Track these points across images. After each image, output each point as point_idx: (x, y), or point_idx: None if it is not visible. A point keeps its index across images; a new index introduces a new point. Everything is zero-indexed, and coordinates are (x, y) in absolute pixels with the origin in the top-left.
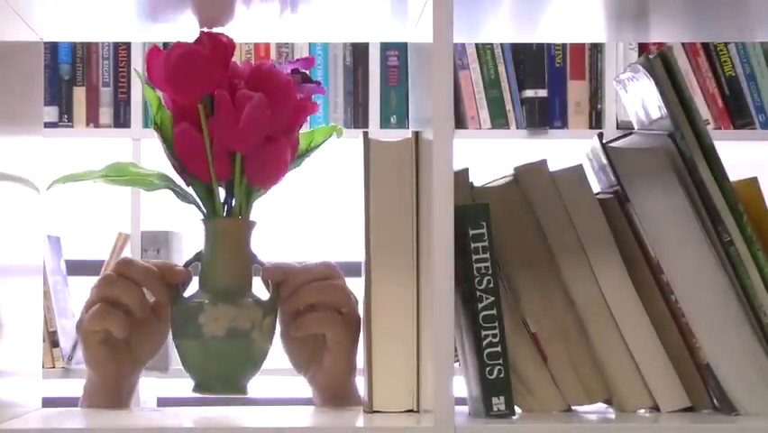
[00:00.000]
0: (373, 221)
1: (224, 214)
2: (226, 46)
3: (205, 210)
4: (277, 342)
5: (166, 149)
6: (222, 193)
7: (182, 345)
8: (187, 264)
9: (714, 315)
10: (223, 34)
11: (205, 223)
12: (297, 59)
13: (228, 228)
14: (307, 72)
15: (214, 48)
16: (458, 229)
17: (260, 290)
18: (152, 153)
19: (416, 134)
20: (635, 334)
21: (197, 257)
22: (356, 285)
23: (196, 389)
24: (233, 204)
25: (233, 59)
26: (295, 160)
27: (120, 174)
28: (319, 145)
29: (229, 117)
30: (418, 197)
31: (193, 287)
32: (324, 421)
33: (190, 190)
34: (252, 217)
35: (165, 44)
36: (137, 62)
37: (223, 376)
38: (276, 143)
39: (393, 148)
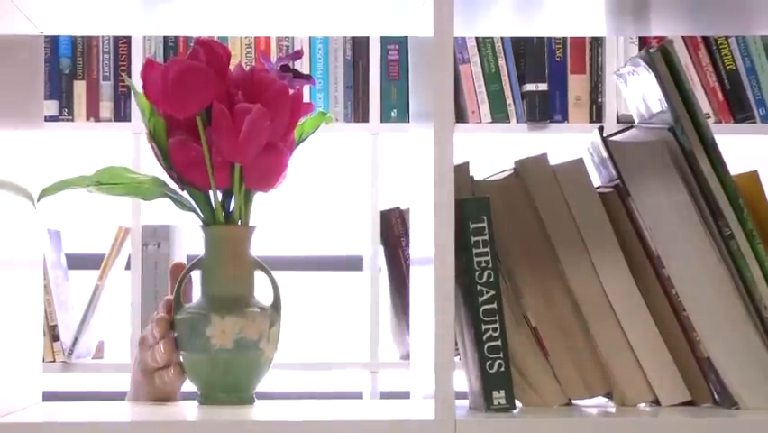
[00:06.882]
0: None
1: (223, 219)
2: (222, 56)
3: (203, 216)
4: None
5: (161, 159)
6: (218, 195)
7: (188, 358)
8: (187, 272)
9: (714, 309)
10: (218, 43)
11: (204, 230)
12: (286, 55)
13: (228, 235)
14: (296, 67)
15: (211, 60)
16: (458, 223)
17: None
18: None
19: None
20: (635, 328)
21: (198, 264)
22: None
23: (203, 400)
24: (232, 209)
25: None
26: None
27: (113, 180)
28: (309, 135)
29: (228, 129)
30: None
31: (195, 294)
32: (326, 415)
33: (185, 194)
34: (251, 219)
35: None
36: (137, 56)
37: (230, 388)
38: (274, 149)
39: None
